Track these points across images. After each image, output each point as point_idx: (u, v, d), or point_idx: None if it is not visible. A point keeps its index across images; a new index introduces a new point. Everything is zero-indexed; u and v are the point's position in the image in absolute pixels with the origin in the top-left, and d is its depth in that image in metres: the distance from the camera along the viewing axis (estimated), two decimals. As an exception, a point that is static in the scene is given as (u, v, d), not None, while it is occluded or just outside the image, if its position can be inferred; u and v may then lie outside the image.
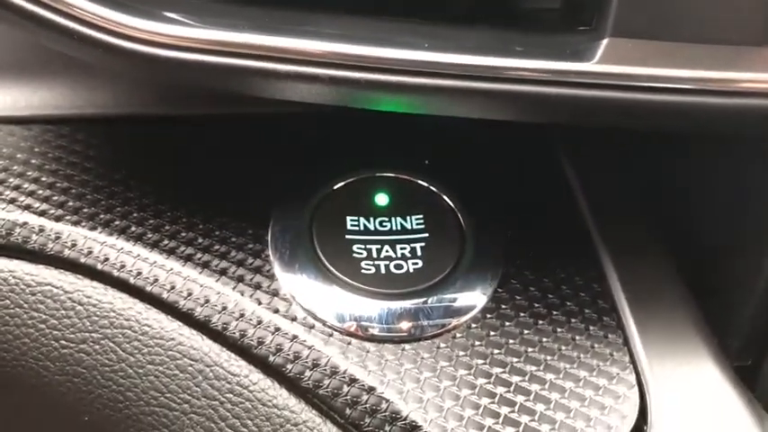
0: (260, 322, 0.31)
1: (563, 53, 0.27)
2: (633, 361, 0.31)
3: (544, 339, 0.32)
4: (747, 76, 0.27)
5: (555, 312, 0.33)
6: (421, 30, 0.29)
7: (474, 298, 0.33)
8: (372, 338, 0.32)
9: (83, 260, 0.32)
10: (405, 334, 0.32)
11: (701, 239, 0.36)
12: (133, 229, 0.34)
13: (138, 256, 0.32)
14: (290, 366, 0.30)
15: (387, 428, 0.29)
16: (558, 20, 0.30)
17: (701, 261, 0.36)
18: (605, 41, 0.27)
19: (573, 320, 0.32)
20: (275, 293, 0.33)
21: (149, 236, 0.34)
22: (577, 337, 0.32)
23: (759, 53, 0.27)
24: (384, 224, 0.35)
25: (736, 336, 0.34)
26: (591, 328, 0.32)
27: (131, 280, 0.32)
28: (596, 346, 0.32)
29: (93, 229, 0.34)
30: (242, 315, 0.31)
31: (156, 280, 0.32)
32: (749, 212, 0.33)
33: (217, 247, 0.34)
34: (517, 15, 0.30)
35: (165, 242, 0.34)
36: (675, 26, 0.27)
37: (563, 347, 0.32)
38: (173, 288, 0.32)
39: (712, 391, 0.31)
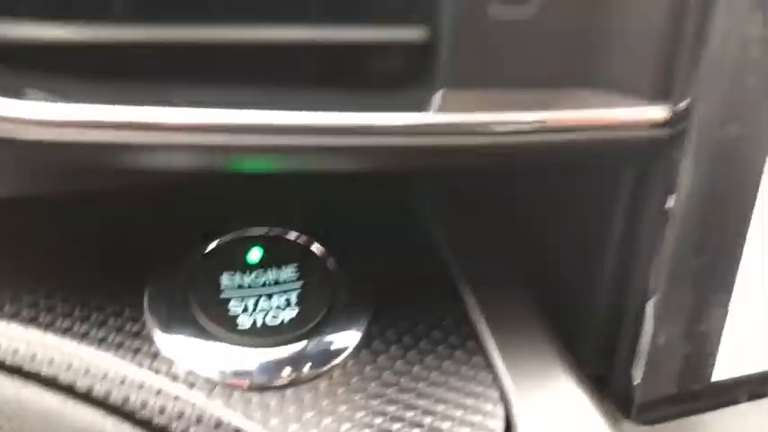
0: (141, 386, 0.32)
1: (401, 106, 0.30)
2: (496, 380, 0.34)
3: (414, 368, 0.34)
4: (561, 115, 0.31)
5: (422, 342, 0.35)
6: (277, 94, 0.31)
7: (348, 338, 0.35)
8: (254, 388, 0.33)
9: (-44, 345, 0.32)
10: (286, 380, 0.34)
11: (551, 266, 0.40)
12: (8, 308, 0.34)
13: (15, 335, 0.33)
14: (174, 424, 0.31)
15: None
16: (399, 77, 0.33)
17: (552, 285, 0.39)
18: (439, 93, 0.30)
19: (439, 347, 0.35)
20: (155, 356, 0.34)
21: (25, 312, 0.34)
22: (444, 363, 0.34)
23: (569, 94, 0.31)
24: (258, 278, 0.36)
25: (587, 349, 0.38)
26: (455, 353, 0.35)
27: (8, 360, 0.32)
28: (462, 369, 0.34)
29: None
30: (123, 381, 0.32)
31: (33, 357, 0.32)
32: (588, 237, 0.37)
33: (94, 316, 0.34)
34: (363, 76, 0.33)
35: (42, 317, 0.34)
36: (495, 76, 0.30)
37: (432, 374, 0.34)
38: (51, 363, 0.32)
39: (569, 400, 0.34)
